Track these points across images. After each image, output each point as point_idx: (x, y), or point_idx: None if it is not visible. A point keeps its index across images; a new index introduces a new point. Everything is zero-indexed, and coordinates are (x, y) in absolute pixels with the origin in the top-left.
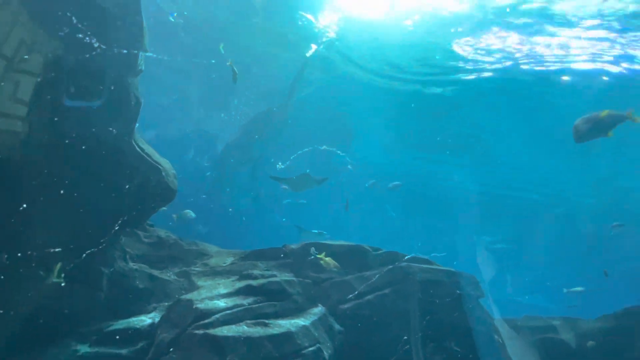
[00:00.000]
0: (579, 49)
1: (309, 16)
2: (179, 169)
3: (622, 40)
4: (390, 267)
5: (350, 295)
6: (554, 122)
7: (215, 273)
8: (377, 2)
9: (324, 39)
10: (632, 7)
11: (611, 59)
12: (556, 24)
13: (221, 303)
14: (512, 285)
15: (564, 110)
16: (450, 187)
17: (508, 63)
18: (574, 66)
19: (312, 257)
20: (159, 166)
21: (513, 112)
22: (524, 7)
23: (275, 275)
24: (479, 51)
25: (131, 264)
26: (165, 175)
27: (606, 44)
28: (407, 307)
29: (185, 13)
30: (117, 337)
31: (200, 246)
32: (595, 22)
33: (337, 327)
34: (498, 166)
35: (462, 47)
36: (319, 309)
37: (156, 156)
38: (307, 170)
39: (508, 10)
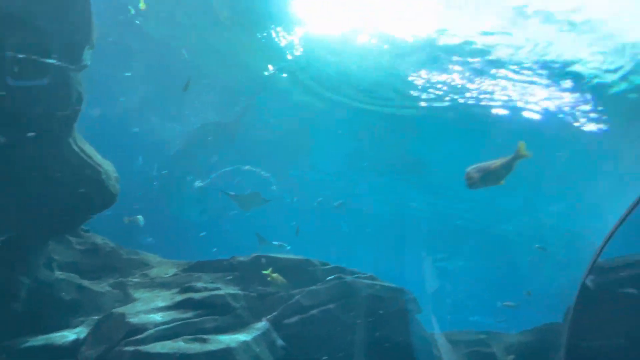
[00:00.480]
0: (511, 90)
1: (275, 33)
2: (126, 175)
3: (544, 85)
4: (336, 282)
5: (295, 310)
6: (488, 156)
7: (155, 285)
8: (339, 27)
9: (285, 59)
10: (551, 57)
11: (537, 101)
12: (494, 67)
13: (158, 317)
14: (453, 300)
15: (498, 145)
16: (402, 207)
17: (455, 97)
18: (508, 104)
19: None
20: (99, 168)
21: (456, 143)
22: (468, 49)
23: (219, 289)
24: (430, 83)
25: (58, 273)
26: (105, 178)
27: (535, 88)
28: (350, 322)
29: (134, 12)
30: (34, 354)
31: (141, 255)
32: (526, 69)
33: (279, 342)
34: (444, 191)
35: (416, 77)
36: (262, 324)
37: (97, 157)
38: (257, 189)
39: (455, 50)
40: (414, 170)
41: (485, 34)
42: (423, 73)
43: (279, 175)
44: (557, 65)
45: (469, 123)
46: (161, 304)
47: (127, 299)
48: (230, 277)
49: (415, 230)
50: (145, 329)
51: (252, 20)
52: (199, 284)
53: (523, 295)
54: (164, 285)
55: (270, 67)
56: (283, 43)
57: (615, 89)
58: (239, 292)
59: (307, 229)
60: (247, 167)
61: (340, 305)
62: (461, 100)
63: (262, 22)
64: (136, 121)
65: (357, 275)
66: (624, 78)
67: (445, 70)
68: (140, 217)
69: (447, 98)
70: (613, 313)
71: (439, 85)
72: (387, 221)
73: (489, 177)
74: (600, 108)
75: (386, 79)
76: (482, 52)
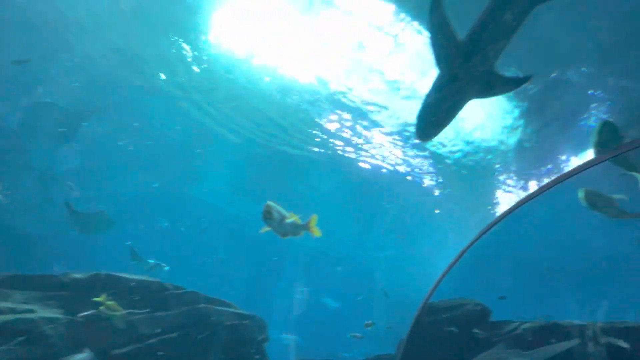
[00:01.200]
0: (377, 149)
1: (180, 42)
2: None
3: (401, 149)
4: (186, 308)
5: (131, 339)
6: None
7: None
8: (246, 54)
9: (186, 71)
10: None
11: (395, 161)
12: (369, 127)
13: None
14: (325, 333)
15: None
16: (281, 240)
17: (335, 147)
18: (373, 161)
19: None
20: None
21: (331, 188)
22: (352, 106)
23: (33, 311)
24: (318, 128)
25: None
26: None
27: (395, 150)
28: (193, 350)
29: None
30: None
31: None
32: (391, 134)
33: None
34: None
35: (307, 121)
36: (83, 355)
37: None
38: (104, 209)
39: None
40: (306, 208)
41: (368, 99)
42: (313, 118)
43: (157, 193)
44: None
45: (342, 171)
46: None
47: None
48: (56, 297)
49: (292, 263)
50: None
51: (158, 22)
52: (5, 304)
53: (366, 330)
54: None
55: (162, 75)
56: (185, 55)
57: (450, 162)
58: (61, 316)
59: (184, 253)
60: None
61: (185, 333)
62: (339, 150)
63: (169, 26)
64: None
65: (211, 301)
66: (455, 152)
67: (332, 121)
68: None
69: (327, 147)
70: (439, 347)
71: (324, 132)
72: (266, 252)
73: (281, 225)
74: (439, 176)
75: (279, 116)
76: (362, 113)
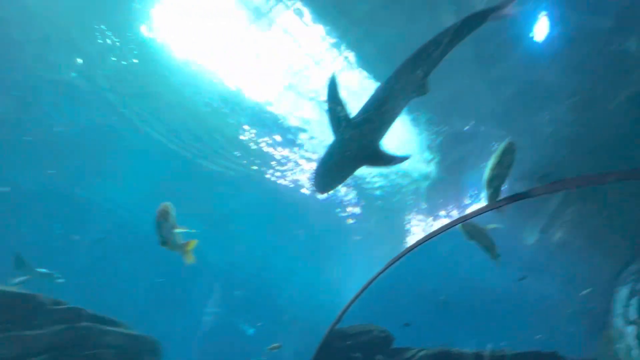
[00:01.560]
0: (297, 171)
1: (103, 27)
2: None
3: None
4: (64, 327)
5: None
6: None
7: None
8: (182, 55)
9: (105, 62)
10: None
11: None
12: (295, 147)
13: None
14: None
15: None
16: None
17: (258, 167)
18: (295, 183)
19: None
20: None
21: (249, 203)
22: (282, 126)
23: None
24: (237, 142)
25: None
26: None
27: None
28: None
29: None
30: None
31: None
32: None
33: None
34: (240, 247)
35: (232, 134)
36: None
37: None
38: None
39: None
40: (216, 224)
41: (293, 120)
42: (234, 133)
43: (46, 194)
44: None
45: (256, 190)
46: None
47: None
48: None
49: (199, 282)
50: None
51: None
52: None
53: (272, 354)
54: None
55: (79, 59)
56: (108, 45)
57: (366, 193)
58: None
59: (80, 265)
60: None
61: (57, 356)
62: (255, 167)
63: (96, 12)
64: None
65: (97, 319)
66: (375, 189)
67: (252, 137)
68: None
69: (242, 163)
70: None
71: (241, 149)
72: (172, 267)
73: (169, 233)
74: (354, 206)
75: (199, 125)
76: (285, 133)
